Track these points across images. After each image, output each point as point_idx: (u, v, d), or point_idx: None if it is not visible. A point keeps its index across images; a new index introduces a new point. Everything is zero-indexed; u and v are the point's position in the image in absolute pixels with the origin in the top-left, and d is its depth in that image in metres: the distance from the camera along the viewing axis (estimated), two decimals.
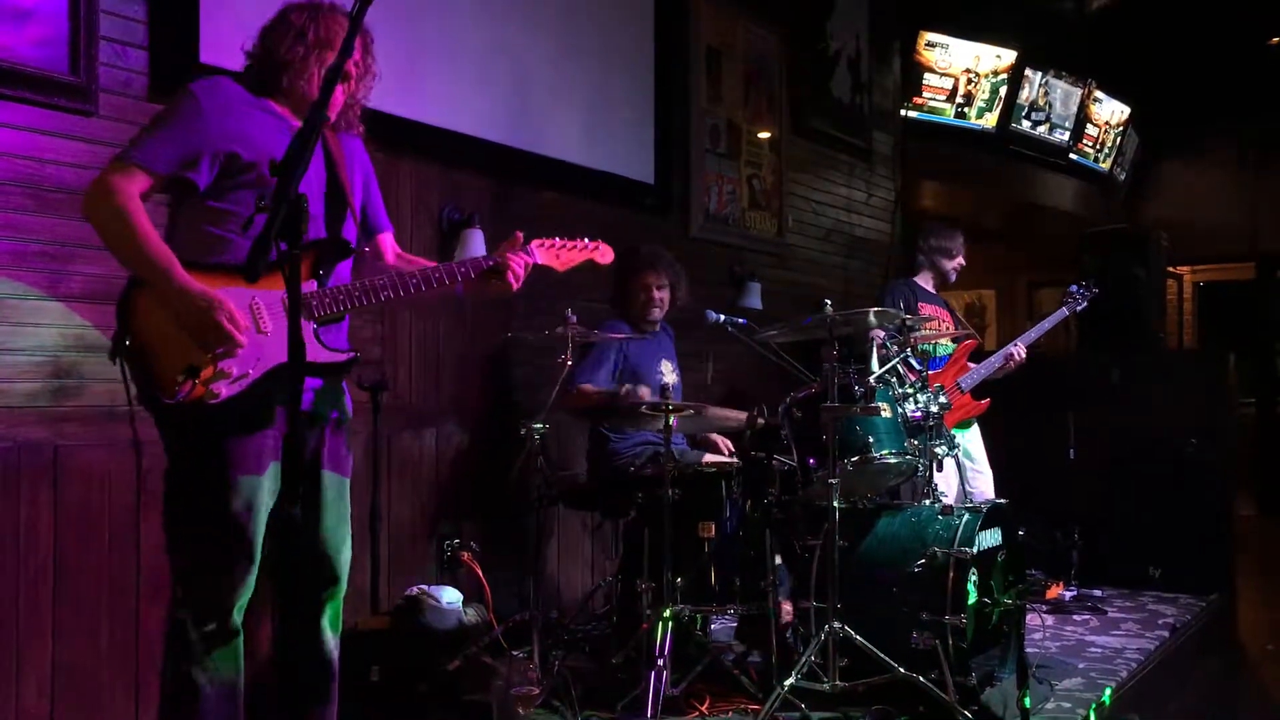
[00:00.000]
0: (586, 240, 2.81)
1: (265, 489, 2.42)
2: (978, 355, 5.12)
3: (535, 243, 2.70)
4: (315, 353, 2.38)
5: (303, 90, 2.52)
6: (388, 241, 2.80)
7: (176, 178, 2.39)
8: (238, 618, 2.44)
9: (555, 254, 2.74)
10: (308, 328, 2.39)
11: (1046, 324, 5.21)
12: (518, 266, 2.58)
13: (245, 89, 2.51)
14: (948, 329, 5.16)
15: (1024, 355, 5.05)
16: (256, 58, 2.56)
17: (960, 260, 5.29)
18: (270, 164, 1.92)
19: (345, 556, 2.63)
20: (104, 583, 3.17)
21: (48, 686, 3.04)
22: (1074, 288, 5.29)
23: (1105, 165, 10.46)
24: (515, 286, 2.60)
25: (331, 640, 2.66)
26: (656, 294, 4.38)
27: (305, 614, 2.51)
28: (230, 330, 2.28)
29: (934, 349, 5.10)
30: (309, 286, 2.39)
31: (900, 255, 7.56)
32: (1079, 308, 5.27)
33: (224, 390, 2.31)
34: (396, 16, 4.03)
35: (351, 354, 2.48)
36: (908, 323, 4.03)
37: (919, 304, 5.10)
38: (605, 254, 2.88)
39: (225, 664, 2.43)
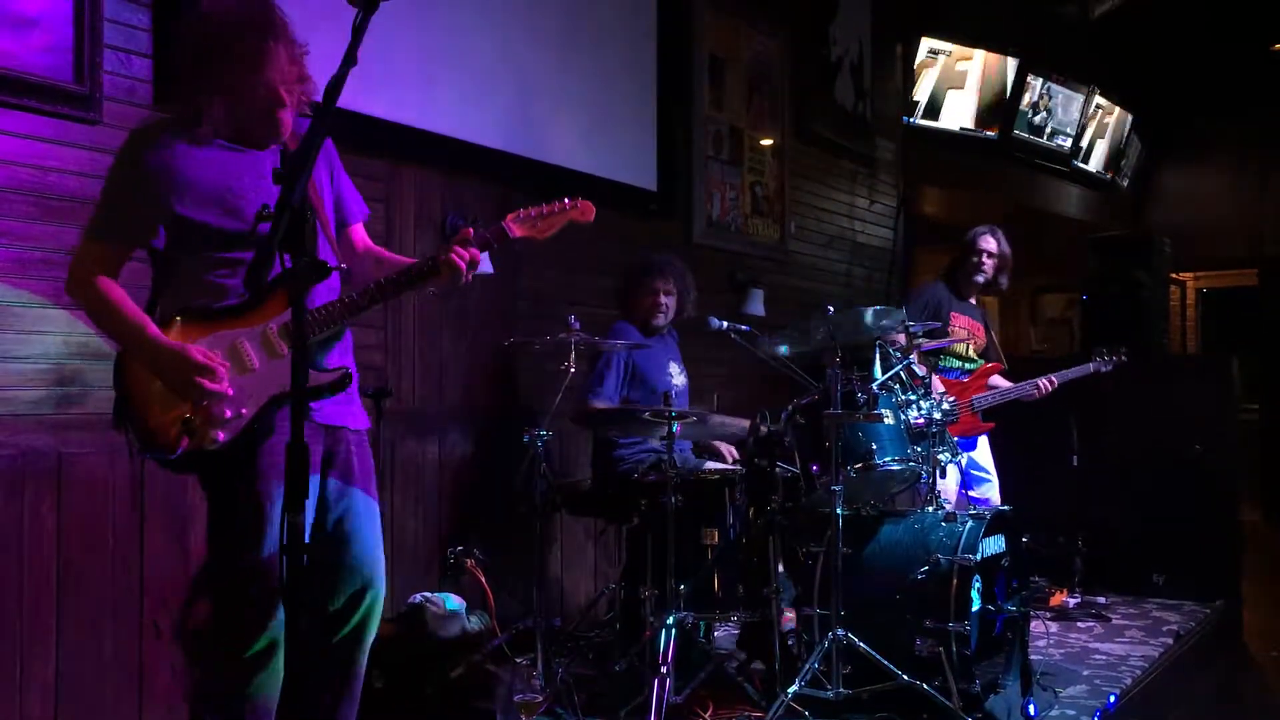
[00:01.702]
0: (565, 201, 2.66)
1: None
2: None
3: (510, 216, 2.59)
4: (311, 378, 2.33)
5: (243, 120, 2.42)
6: (359, 234, 2.72)
7: (138, 243, 2.41)
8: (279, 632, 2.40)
9: (533, 224, 2.62)
10: (290, 355, 2.34)
11: (1072, 373, 5.14)
12: (459, 261, 2.47)
13: (186, 127, 2.40)
14: (977, 345, 5.14)
15: (1050, 388, 5.03)
16: (186, 93, 2.44)
17: (984, 257, 5.21)
18: (274, 174, 1.92)
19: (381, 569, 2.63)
20: (107, 590, 3.18)
21: (52, 694, 3.04)
22: (1104, 349, 5.24)
23: (1106, 171, 10.47)
24: (465, 279, 2.51)
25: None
26: (663, 299, 4.40)
27: (317, 625, 2.49)
28: (205, 385, 2.29)
29: (961, 362, 5.09)
30: (288, 315, 2.32)
31: (903, 261, 7.58)
32: (1105, 369, 5.23)
33: (221, 435, 2.33)
34: (400, 25, 4.04)
35: (343, 370, 2.45)
36: (910, 328, 4.03)
37: (950, 313, 5.09)
38: (586, 210, 2.72)
39: (268, 684, 2.42)
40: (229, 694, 2.39)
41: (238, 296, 2.39)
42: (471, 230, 2.54)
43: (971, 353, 5.15)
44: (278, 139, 2.46)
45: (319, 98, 2.34)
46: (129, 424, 2.36)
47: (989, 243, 5.23)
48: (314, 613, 2.46)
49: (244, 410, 2.34)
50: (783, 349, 4.14)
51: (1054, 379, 5.07)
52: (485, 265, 4.29)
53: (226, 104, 2.39)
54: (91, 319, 2.44)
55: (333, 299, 2.44)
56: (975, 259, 5.22)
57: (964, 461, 4.94)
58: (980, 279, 5.25)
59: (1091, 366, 5.21)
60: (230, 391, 2.32)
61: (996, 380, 5.09)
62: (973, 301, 5.32)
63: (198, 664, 2.46)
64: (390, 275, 2.48)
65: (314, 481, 2.41)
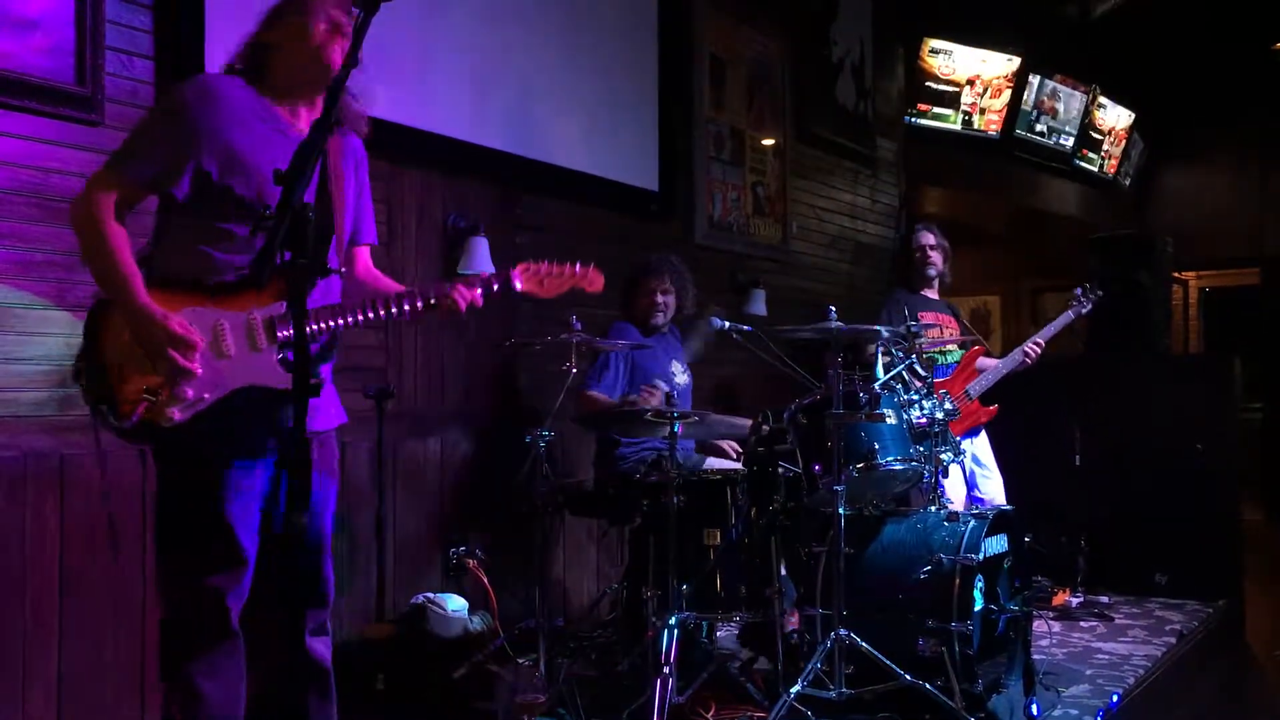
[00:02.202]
0: (576, 266, 2.64)
1: (254, 490, 2.41)
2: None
3: (519, 267, 2.58)
4: (280, 379, 2.28)
5: (305, 78, 2.44)
6: (363, 256, 2.71)
7: (156, 189, 2.37)
8: (235, 621, 2.40)
9: (539, 281, 2.60)
10: (270, 351, 2.34)
11: (1053, 327, 5.20)
12: (460, 301, 2.48)
13: (244, 85, 2.43)
14: (952, 334, 5.16)
15: (1038, 351, 5.05)
16: (255, 46, 2.47)
17: (929, 251, 5.26)
18: (275, 174, 1.91)
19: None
20: (110, 591, 3.18)
21: (54, 694, 3.05)
22: (1079, 291, 5.29)
23: (1109, 171, 10.46)
24: (461, 315, 2.53)
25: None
26: (660, 299, 4.42)
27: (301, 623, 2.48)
28: (178, 361, 2.25)
29: (943, 357, 5.09)
30: (278, 308, 2.35)
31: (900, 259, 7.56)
32: (1084, 310, 5.26)
33: (177, 414, 2.28)
34: (402, 25, 4.04)
35: (315, 381, 2.40)
36: (913, 329, 4.04)
37: (919, 314, 5.10)
38: (595, 281, 2.69)
39: (229, 669, 2.41)
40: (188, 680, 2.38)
41: (232, 273, 2.36)
42: (481, 274, 2.57)
43: (951, 347, 5.15)
44: (326, 81, 2.40)
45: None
46: (91, 377, 2.32)
47: (928, 237, 5.31)
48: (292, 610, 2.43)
49: (206, 395, 2.30)
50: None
51: (1039, 340, 5.09)
52: (486, 265, 4.29)
53: (286, 51, 2.41)
54: (83, 253, 2.35)
55: (326, 302, 2.42)
56: (920, 255, 5.29)
57: (969, 457, 4.94)
58: (932, 272, 5.30)
59: (1071, 313, 5.22)
60: (199, 372, 2.28)
61: (984, 362, 5.09)
62: (934, 297, 5.32)
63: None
64: (389, 297, 2.46)
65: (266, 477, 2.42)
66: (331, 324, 2.40)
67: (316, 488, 2.47)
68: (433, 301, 2.47)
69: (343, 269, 2.58)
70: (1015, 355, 5.05)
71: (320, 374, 2.44)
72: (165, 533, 2.43)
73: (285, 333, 2.35)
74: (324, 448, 2.54)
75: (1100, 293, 5.27)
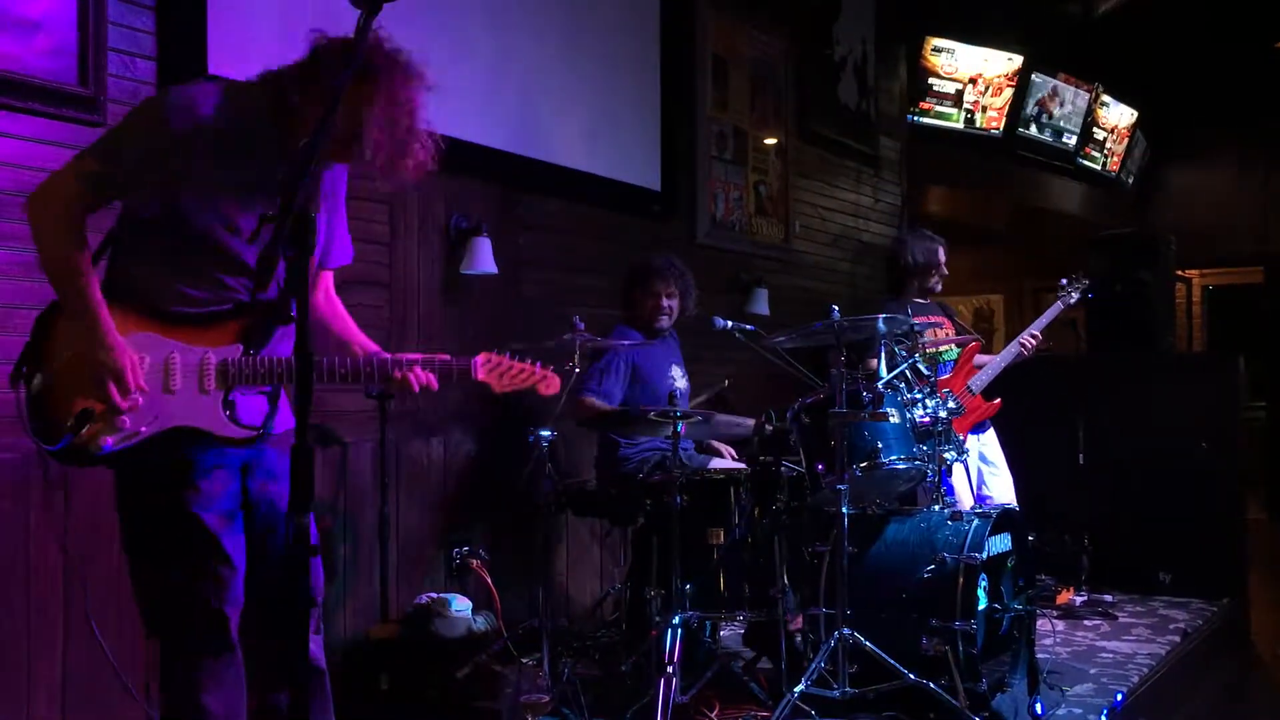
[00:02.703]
0: (538, 367, 2.62)
1: (223, 493, 2.32)
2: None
3: (481, 357, 2.54)
4: (220, 425, 2.25)
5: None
6: (326, 280, 2.59)
7: (122, 196, 2.28)
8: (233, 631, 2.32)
9: (499, 375, 2.58)
10: (217, 396, 2.25)
11: (1045, 318, 5.20)
12: (414, 383, 2.42)
13: (239, 103, 2.28)
14: (948, 334, 5.16)
15: (1034, 342, 5.05)
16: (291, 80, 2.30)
17: (940, 273, 5.24)
18: (278, 182, 1.88)
19: None
20: (113, 591, 3.18)
21: (58, 695, 3.05)
22: (1064, 281, 5.29)
23: (1112, 169, 10.46)
24: (415, 390, 2.46)
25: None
26: (665, 302, 4.40)
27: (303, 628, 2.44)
28: (114, 397, 2.17)
29: (940, 355, 5.09)
30: (233, 352, 2.26)
31: (888, 269, 7.55)
32: (1072, 299, 5.25)
33: (108, 443, 2.20)
34: (403, 25, 4.03)
35: (256, 432, 2.29)
36: (913, 328, 4.04)
37: (914, 318, 5.09)
38: (552, 384, 2.65)
39: (230, 681, 2.33)
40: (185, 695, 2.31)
41: (192, 306, 2.26)
42: (438, 358, 2.49)
43: (948, 347, 5.15)
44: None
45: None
46: (31, 390, 2.22)
47: (943, 254, 5.25)
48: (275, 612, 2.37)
49: (143, 428, 2.21)
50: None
51: (1035, 333, 5.09)
52: (489, 266, 4.29)
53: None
54: (40, 248, 2.22)
55: (284, 355, 2.30)
56: (936, 271, 5.20)
57: (977, 455, 4.94)
58: (939, 287, 5.28)
59: (1060, 304, 5.22)
60: (132, 408, 2.20)
61: (981, 358, 5.09)
62: (924, 301, 5.29)
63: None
64: (344, 364, 2.37)
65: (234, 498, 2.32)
66: (280, 377, 2.30)
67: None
68: (392, 375, 2.40)
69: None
70: (1012, 348, 5.06)
71: (271, 427, 2.34)
72: (142, 548, 2.32)
73: (235, 363, 2.26)
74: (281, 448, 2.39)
75: (1086, 281, 5.26)
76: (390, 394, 3.87)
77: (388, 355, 2.43)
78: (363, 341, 2.52)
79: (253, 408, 2.34)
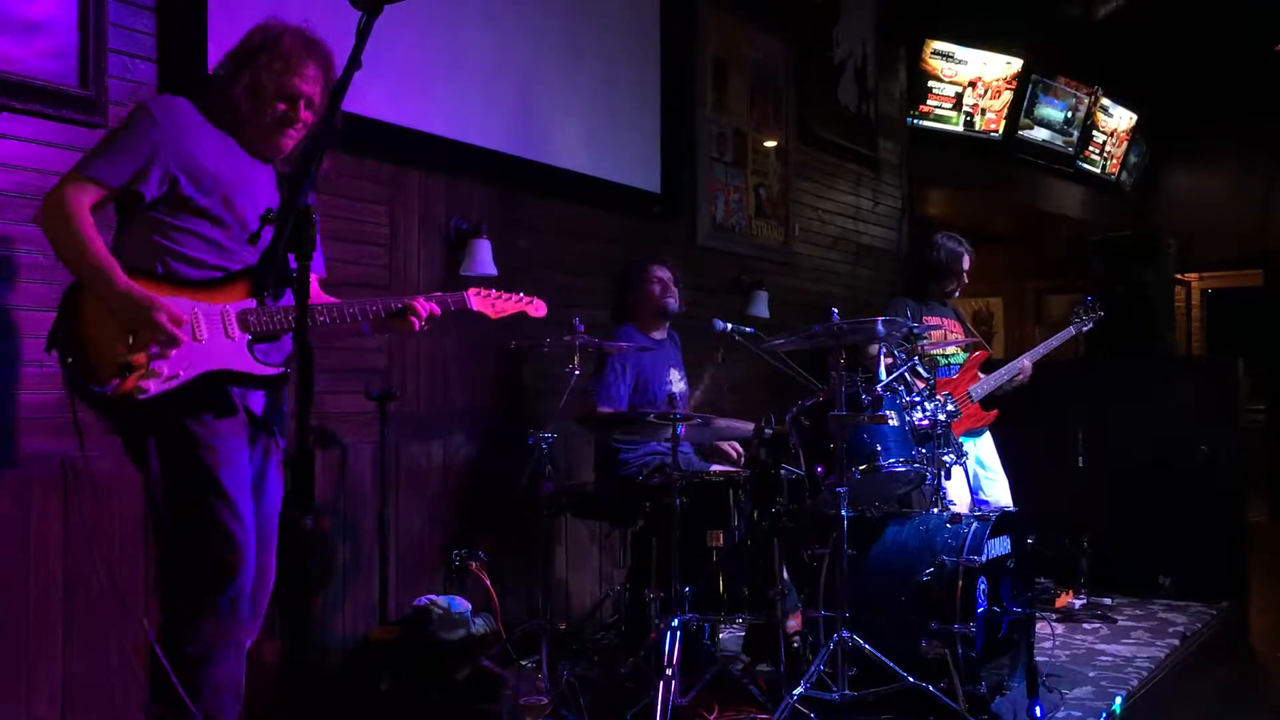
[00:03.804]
0: (523, 296, 3.02)
1: (241, 462, 2.55)
2: (988, 366, 5.13)
3: (472, 290, 2.88)
4: (250, 365, 2.53)
5: (254, 124, 2.62)
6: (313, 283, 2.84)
7: (127, 189, 2.49)
8: (242, 605, 2.50)
9: (491, 303, 2.92)
10: (241, 341, 2.52)
11: (1054, 341, 5.21)
12: (421, 311, 2.72)
13: (201, 112, 2.61)
14: (955, 337, 5.17)
15: (1030, 371, 5.08)
16: (218, 82, 2.64)
17: (964, 278, 5.25)
18: (279, 177, 1.96)
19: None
20: (114, 594, 3.18)
21: (59, 696, 3.05)
22: (1077, 309, 5.28)
23: (1111, 172, 10.46)
24: (416, 328, 2.74)
25: None
26: (667, 282, 4.41)
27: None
28: (168, 327, 2.40)
29: (946, 360, 5.10)
30: (248, 304, 2.52)
31: (909, 263, 7.56)
32: (1085, 328, 5.26)
33: (153, 387, 2.42)
34: (402, 29, 4.05)
35: (283, 370, 2.58)
36: (914, 331, 4.04)
37: (925, 319, 5.10)
38: (538, 308, 3.06)
39: (230, 659, 2.50)
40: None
41: (200, 270, 2.52)
42: (433, 295, 2.79)
43: (954, 350, 5.16)
44: (276, 155, 2.64)
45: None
46: (70, 350, 2.43)
47: (968, 260, 5.25)
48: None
49: (179, 373, 2.44)
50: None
51: (1027, 359, 5.11)
52: (489, 268, 4.29)
53: (250, 101, 2.58)
54: (57, 249, 2.48)
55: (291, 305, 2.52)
56: (960, 275, 5.21)
57: (973, 460, 4.94)
58: (959, 293, 5.30)
59: (1072, 330, 5.24)
60: (183, 340, 2.43)
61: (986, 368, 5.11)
62: (940, 303, 5.31)
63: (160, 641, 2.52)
64: (350, 309, 2.65)
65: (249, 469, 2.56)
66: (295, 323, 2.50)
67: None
68: (396, 306, 2.69)
69: (323, 274, 2.80)
70: (1014, 364, 5.07)
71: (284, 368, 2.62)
72: (169, 512, 2.51)
73: (256, 326, 2.52)
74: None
75: (1102, 312, 5.26)
76: (390, 397, 3.87)
77: (389, 299, 2.72)
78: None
79: (272, 353, 2.59)
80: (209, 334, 2.49)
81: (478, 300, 2.88)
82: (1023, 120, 8.96)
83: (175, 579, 2.52)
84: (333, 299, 2.78)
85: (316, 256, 2.80)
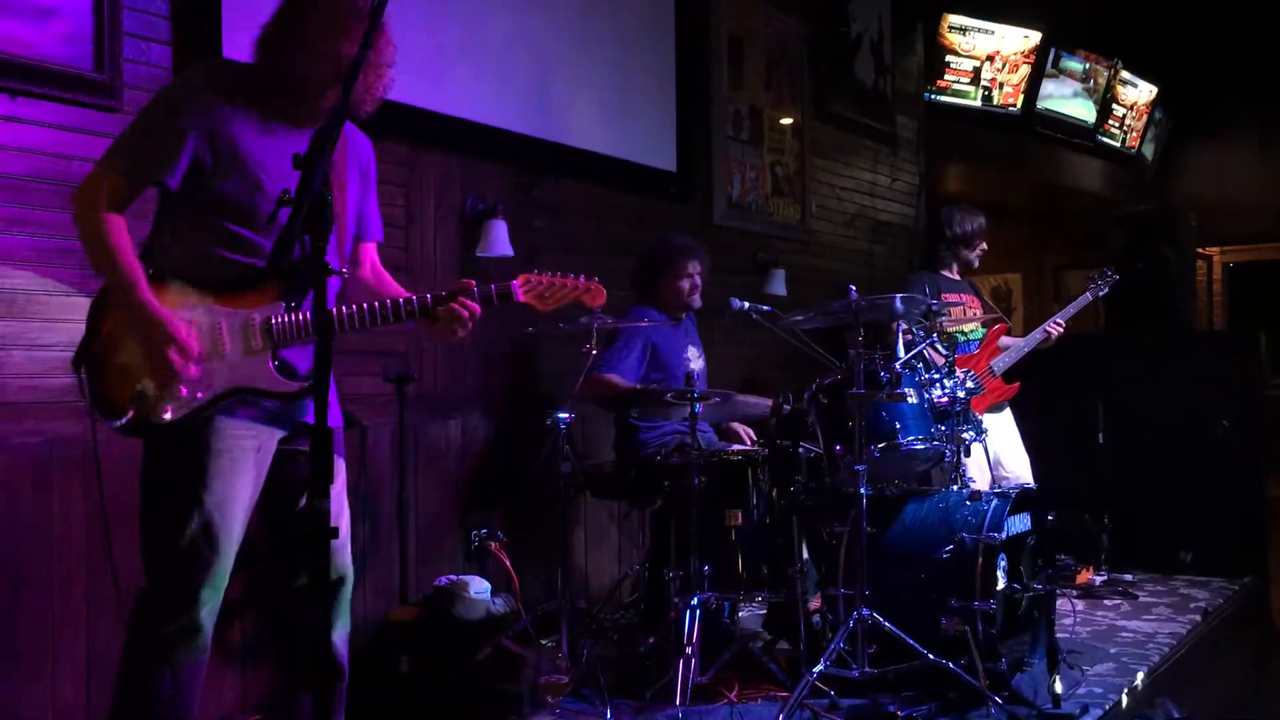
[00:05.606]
0: (581, 279, 2.63)
1: (246, 485, 2.45)
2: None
3: (521, 278, 2.57)
4: (271, 383, 2.40)
5: (306, 83, 2.41)
6: (369, 252, 2.73)
7: (156, 177, 2.37)
8: (205, 616, 2.45)
9: (540, 293, 2.59)
10: (265, 356, 2.40)
11: (1073, 307, 5.22)
12: (462, 310, 2.49)
13: (239, 84, 2.44)
14: (975, 313, 5.15)
15: (1059, 329, 5.09)
16: (261, 47, 2.46)
17: (983, 246, 5.27)
18: (294, 158, 1.91)
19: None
20: (136, 576, 3.19)
21: (83, 679, 3.08)
22: (1093, 275, 5.30)
23: (1131, 146, 10.37)
24: (463, 334, 2.53)
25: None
26: (698, 281, 4.40)
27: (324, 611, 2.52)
28: (176, 364, 2.30)
29: (965, 335, 5.09)
30: (277, 309, 2.39)
31: (926, 240, 7.52)
32: (1101, 293, 5.26)
33: (170, 413, 2.35)
34: (417, 9, 4.03)
35: (300, 385, 2.42)
36: (934, 308, 4.02)
37: (943, 295, 5.09)
38: (598, 295, 2.66)
39: (191, 658, 2.47)
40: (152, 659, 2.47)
41: (233, 270, 2.39)
42: (476, 284, 2.52)
43: (973, 326, 5.15)
44: (315, 120, 2.43)
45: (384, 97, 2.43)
46: (89, 373, 2.37)
47: (984, 231, 5.27)
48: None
49: (200, 394, 2.36)
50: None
51: (1060, 320, 5.13)
52: (505, 249, 4.28)
53: (295, 60, 2.38)
54: (86, 244, 2.38)
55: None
56: (978, 246, 5.25)
57: (993, 437, 4.94)
58: (977, 263, 5.31)
59: (1089, 294, 5.26)
60: (195, 374, 2.34)
61: (1006, 340, 5.09)
62: (956, 277, 5.30)
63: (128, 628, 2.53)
64: (387, 302, 2.47)
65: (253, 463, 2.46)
66: (343, 328, 2.42)
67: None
68: (431, 306, 2.48)
69: (344, 270, 2.56)
70: (1037, 334, 5.09)
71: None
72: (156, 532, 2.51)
73: (279, 321, 2.39)
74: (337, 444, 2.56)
75: (1117, 276, 5.27)
76: (408, 378, 3.88)
77: (427, 294, 2.50)
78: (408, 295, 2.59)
79: (301, 362, 2.46)
80: (232, 348, 2.38)
81: (524, 292, 2.56)
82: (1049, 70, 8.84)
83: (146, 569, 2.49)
84: (393, 287, 2.66)
85: (375, 217, 2.71)
